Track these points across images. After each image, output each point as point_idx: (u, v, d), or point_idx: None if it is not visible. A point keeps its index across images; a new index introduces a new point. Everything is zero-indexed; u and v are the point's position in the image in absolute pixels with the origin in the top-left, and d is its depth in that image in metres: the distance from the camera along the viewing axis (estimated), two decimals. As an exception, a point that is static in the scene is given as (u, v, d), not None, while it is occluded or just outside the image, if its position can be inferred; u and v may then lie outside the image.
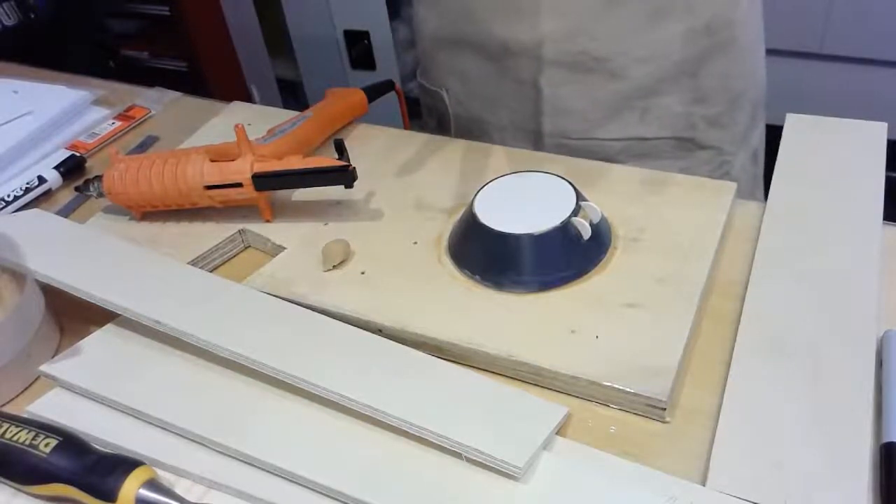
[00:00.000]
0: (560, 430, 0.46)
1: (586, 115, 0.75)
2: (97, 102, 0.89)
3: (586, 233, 0.54)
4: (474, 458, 0.43)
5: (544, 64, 0.73)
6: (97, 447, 0.46)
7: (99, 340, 0.55)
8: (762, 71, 0.80)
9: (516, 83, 0.76)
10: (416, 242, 0.60)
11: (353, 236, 0.60)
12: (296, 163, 0.62)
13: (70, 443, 0.45)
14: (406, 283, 0.56)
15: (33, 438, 0.45)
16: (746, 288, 0.52)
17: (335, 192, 0.64)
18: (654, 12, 0.69)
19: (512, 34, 0.72)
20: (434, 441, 0.44)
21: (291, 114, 0.74)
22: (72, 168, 0.78)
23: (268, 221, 0.64)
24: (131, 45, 2.08)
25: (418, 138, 0.74)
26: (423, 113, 0.90)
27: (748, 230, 0.58)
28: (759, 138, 0.82)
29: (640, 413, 0.47)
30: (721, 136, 0.77)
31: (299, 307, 0.54)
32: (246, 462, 0.46)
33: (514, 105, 0.78)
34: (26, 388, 0.55)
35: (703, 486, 0.42)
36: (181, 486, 0.46)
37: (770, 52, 0.79)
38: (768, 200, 0.59)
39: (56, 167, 0.77)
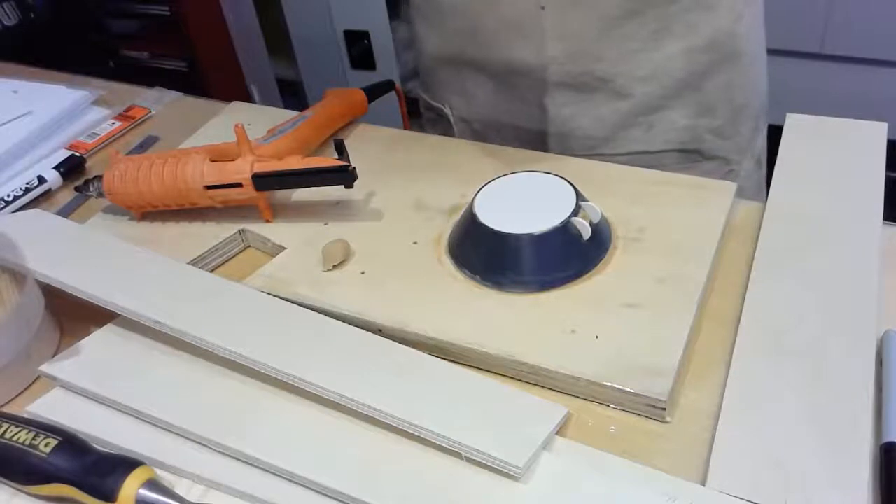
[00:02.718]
0: (560, 430, 0.46)
1: (592, 133, 0.75)
2: (97, 102, 0.89)
3: (586, 233, 0.54)
4: (474, 458, 0.43)
5: (549, 85, 0.72)
6: (97, 447, 0.46)
7: (99, 340, 0.55)
8: (764, 80, 0.80)
9: (521, 103, 0.76)
10: (416, 242, 0.60)
11: (353, 236, 0.60)
12: (296, 163, 0.62)
13: (70, 443, 0.45)
14: (406, 283, 0.56)
15: (33, 438, 0.45)
16: (746, 288, 0.52)
17: (335, 192, 0.64)
18: (656, 32, 0.69)
19: (517, 56, 0.72)
20: (434, 441, 0.44)
21: (291, 114, 0.74)
22: (72, 168, 0.78)
23: (268, 221, 0.64)
24: (131, 45, 2.08)
25: (418, 138, 0.74)
26: (426, 126, 0.89)
27: (748, 230, 0.58)
28: (762, 143, 0.82)
29: (640, 413, 0.47)
30: (727, 145, 0.76)
31: (299, 307, 0.54)
32: (246, 462, 0.46)
33: (519, 123, 0.77)
34: (26, 388, 0.55)
35: (703, 486, 0.42)
36: (181, 486, 0.46)
37: (770, 52, 0.79)
38: (768, 200, 0.59)
39: (56, 167, 0.77)
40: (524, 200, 0.57)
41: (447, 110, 0.83)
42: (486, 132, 0.81)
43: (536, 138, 0.77)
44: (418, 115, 0.91)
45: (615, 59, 0.70)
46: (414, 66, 0.89)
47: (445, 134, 0.85)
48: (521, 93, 0.75)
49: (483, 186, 0.59)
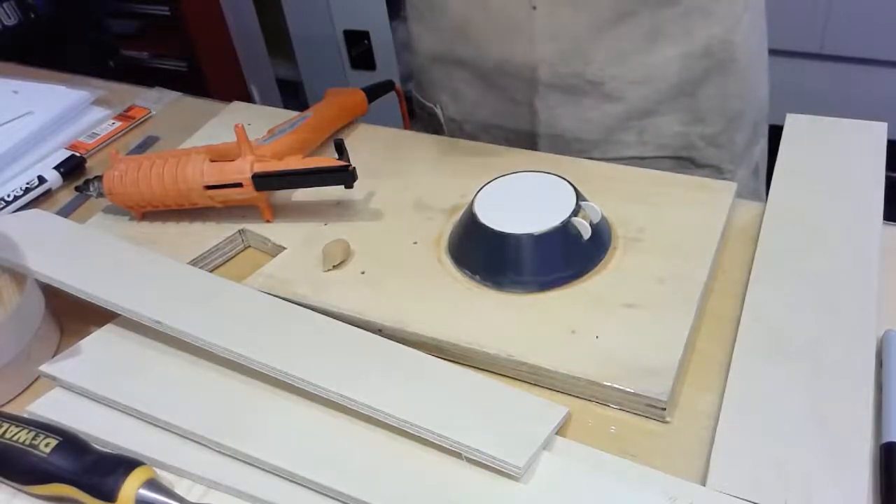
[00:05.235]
0: (560, 430, 0.46)
1: (582, 136, 0.74)
2: (97, 102, 0.89)
3: (586, 233, 0.54)
4: (474, 458, 0.43)
5: (539, 86, 0.72)
6: (97, 447, 0.46)
7: (99, 340, 0.55)
8: (764, 88, 0.79)
9: (511, 103, 0.75)
10: (416, 242, 0.60)
11: (353, 236, 0.60)
12: (296, 163, 0.62)
13: (70, 443, 0.45)
14: (406, 283, 0.56)
15: (33, 438, 0.45)
16: (746, 288, 0.52)
17: (335, 192, 0.64)
18: (651, 36, 0.68)
19: (507, 56, 0.72)
20: (434, 441, 0.44)
21: (291, 114, 0.74)
22: (72, 168, 0.78)
23: (268, 221, 0.64)
24: (131, 45, 2.08)
25: (418, 138, 0.74)
26: (419, 126, 0.89)
27: (748, 230, 0.58)
28: (760, 154, 0.81)
29: (640, 413, 0.47)
30: (719, 154, 0.76)
31: (299, 307, 0.54)
32: (246, 462, 0.46)
33: (509, 124, 0.77)
34: (26, 388, 0.55)
35: (703, 486, 0.42)
36: (181, 486, 0.46)
37: (770, 52, 0.79)
38: (768, 200, 0.59)
39: (56, 167, 0.77)
40: (524, 200, 0.57)
41: (437, 110, 0.83)
42: (475, 133, 0.81)
43: (526, 141, 0.77)
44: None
45: (607, 61, 0.69)
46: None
47: (436, 134, 0.85)
48: (510, 94, 0.75)
49: (483, 186, 0.59)
